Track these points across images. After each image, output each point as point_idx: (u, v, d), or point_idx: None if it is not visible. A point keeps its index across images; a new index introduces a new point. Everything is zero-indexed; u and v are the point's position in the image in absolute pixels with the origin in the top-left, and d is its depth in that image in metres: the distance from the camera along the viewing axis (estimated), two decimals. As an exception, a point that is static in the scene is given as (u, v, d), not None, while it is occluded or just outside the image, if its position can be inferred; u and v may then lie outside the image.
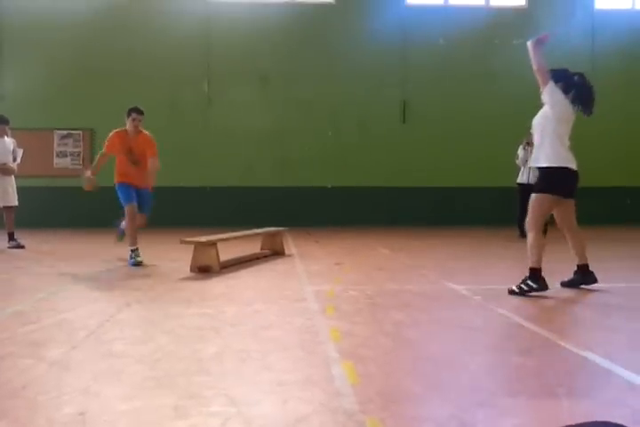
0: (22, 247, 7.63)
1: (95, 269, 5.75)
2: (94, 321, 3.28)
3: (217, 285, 4.70)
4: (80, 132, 13.25)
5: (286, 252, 7.12)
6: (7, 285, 4.86)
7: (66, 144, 13.28)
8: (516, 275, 5.31)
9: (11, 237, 7.75)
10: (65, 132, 13.23)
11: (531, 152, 9.31)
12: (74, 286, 4.69)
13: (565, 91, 4.34)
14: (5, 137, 7.91)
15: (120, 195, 6.22)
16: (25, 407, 1.97)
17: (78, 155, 13.31)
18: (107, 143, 6.26)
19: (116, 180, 6.27)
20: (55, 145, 13.23)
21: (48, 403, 2.00)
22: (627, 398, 2.08)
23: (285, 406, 1.98)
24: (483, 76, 13.42)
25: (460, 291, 4.38)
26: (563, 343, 2.81)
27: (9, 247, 7.63)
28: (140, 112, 6.21)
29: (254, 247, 7.12)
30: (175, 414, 1.90)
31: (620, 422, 1.60)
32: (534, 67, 4.38)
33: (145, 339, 2.90)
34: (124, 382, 2.23)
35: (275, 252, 6.99)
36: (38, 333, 3.04)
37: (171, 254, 6.81)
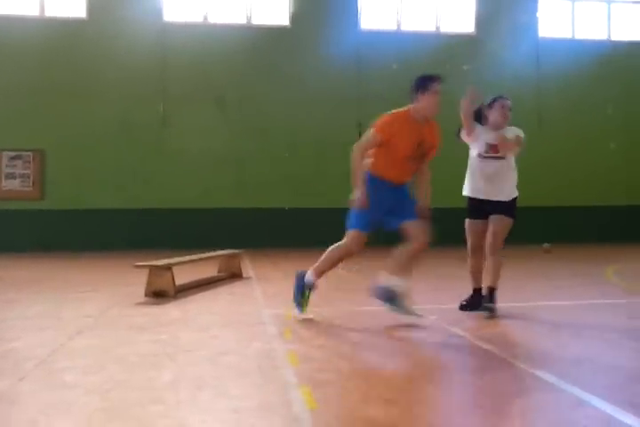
0: None
1: (44, 295, 5.56)
2: (44, 350, 3.17)
3: (172, 310, 4.62)
4: (30, 153, 12.91)
5: (244, 274, 7.06)
6: (-50, 313, 4.64)
7: (15, 166, 12.90)
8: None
9: None
10: (14, 153, 12.87)
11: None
12: (22, 313, 4.52)
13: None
14: None
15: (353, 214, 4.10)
16: (-32, 445, 1.88)
17: (28, 177, 12.94)
18: (383, 126, 4.06)
19: (371, 170, 4.15)
20: (3, 166, 12.84)
21: (-7, 439, 1.92)
22: (577, 415, 2.14)
23: (242, 434, 1.96)
24: (435, 100, 13.80)
25: (416, 311, 4.43)
26: (515, 362, 2.87)
27: None
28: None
29: (211, 270, 7.04)
30: (128, 447, 1.85)
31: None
32: (465, 129, 4.45)
33: (97, 368, 2.82)
34: (75, 415, 2.16)
35: (232, 274, 6.93)
36: (-17, 364, 2.91)
37: (125, 279, 6.65)
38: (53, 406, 2.26)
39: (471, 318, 4.16)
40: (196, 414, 2.14)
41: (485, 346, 3.26)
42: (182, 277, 5.96)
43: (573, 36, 14.80)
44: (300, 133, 13.44)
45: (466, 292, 4.56)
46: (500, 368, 2.81)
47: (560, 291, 5.69)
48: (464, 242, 4.59)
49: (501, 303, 4.33)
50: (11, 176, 12.91)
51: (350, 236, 4.12)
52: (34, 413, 2.17)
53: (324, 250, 4.19)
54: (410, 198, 4.24)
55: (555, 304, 4.64)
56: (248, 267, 8.11)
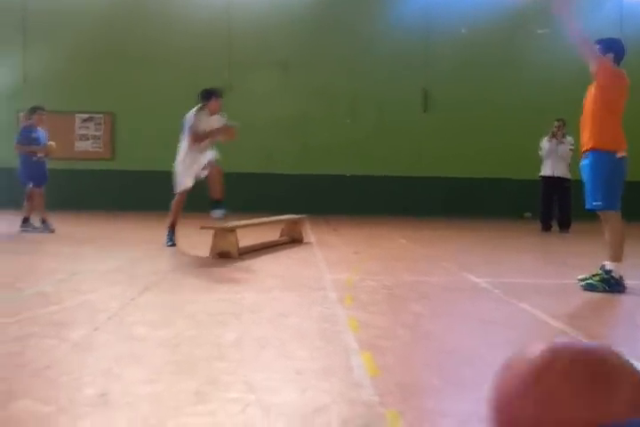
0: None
1: (116, 251, 5.80)
2: (115, 304, 3.32)
3: (236, 271, 4.72)
4: (101, 115, 13.34)
5: (305, 239, 7.12)
6: (30, 265, 4.92)
7: (87, 128, 13.38)
8: (536, 269, 5.25)
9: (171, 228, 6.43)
10: (86, 115, 13.33)
11: (556, 144, 9.14)
12: (94, 268, 4.74)
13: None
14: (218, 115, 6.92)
15: (610, 188, 3.93)
16: (47, 387, 1.99)
17: (99, 138, 13.40)
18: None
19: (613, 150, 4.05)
20: (76, 128, 13.33)
21: (70, 383, 2.02)
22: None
23: (304, 395, 1.98)
24: (505, 66, 13.21)
25: (479, 284, 4.35)
26: (586, 340, 2.77)
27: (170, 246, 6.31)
28: None
29: (273, 234, 7.13)
30: (196, 400, 1.91)
31: None
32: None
33: (165, 323, 2.93)
34: (146, 366, 2.25)
35: (293, 239, 7.00)
36: (61, 314, 3.08)
37: (190, 240, 6.85)
38: (126, 356, 2.36)
39: (537, 293, 4.04)
40: (259, 372, 2.19)
41: (555, 323, 3.15)
42: (245, 239, 6.06)
43: (664, -2, 13.72)
44: (365, 99, 13.24)
45: (530, 266, 4.42)
46: (568, 345, 2.71)
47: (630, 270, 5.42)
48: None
49: (571, 280, 4.17)
50: (83, 137, 13.41)
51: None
52: (108, 361, 2.27)
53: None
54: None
55: (635, 283, 4.41)
56: (309, 232, 8.17)
